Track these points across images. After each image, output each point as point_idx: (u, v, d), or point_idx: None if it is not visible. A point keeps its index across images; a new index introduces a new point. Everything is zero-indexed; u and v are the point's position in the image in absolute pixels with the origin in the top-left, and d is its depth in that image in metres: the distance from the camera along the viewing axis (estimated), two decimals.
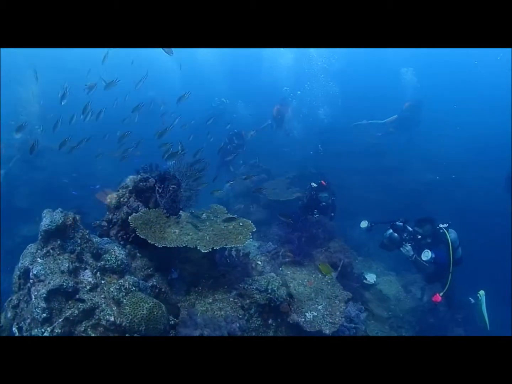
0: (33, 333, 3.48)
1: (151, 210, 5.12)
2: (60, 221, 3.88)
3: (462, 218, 7.44)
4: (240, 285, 5.32)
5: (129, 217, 4.86)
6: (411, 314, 7.45)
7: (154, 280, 4.58)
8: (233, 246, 4.90)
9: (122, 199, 5.20)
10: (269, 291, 5.38)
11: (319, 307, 5.87)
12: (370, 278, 7.41)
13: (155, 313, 3.93)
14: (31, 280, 3.66)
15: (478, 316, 6.72)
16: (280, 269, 6.14)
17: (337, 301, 6.06)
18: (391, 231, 6.42)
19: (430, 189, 11.40)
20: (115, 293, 3.93)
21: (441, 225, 6.28)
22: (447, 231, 6.16)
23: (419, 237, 6.29)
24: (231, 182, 5.80)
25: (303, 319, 5.59)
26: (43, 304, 3.48)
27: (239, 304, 5.04)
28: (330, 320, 5.71)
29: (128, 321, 3.81)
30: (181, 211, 5.32)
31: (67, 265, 3.76)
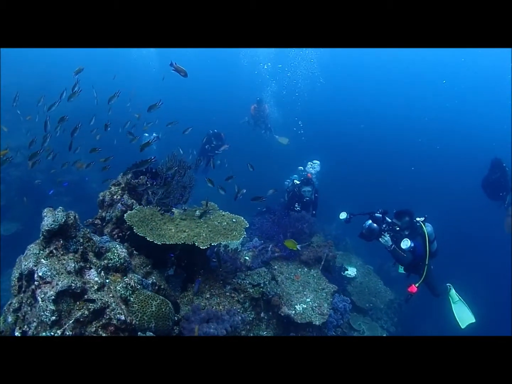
0: None
1: (145, 207, 4.96)
2: (63, 220, 3.66)
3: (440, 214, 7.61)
4: (234, 280, 5.27)
5: (125, 215, 4.69)
6: (390, 306, 7.63)
7: (153, 277, 4.42)
8: (229, 242, 4.85)
9: (115, 196, 5.01)
10: (262, 285, 5.38)
11: (308, 300, 5.91)
12: (351, 271, 7.50)
13: (163, 309, 3.83)
14: (36, 282, 3.39)
15: (457, 312, 6.80)
16: (269, 263, 6.11)
17: (324, 294, 6.11)
18: (370, 221, 6.43)
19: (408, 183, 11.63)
20: (122, 292, 3.76)
21: (418, 219, 6.39)
22: (424, 224, 6.30)
23: (397, 228, 6.34)
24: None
25: (293, 311, 5.62)
26: (51, 307, 3.25)
27: (236, 298, 5.00)
28: (319, 312, 5.76)
29: (137, 319, 3.67)
30: (173, 208, 5.18)
31: (73, 265, 3.56)
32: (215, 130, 10.26)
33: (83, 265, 3.69)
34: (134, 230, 4.47)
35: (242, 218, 5.20)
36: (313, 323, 5.58)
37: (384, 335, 6.99)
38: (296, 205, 7.63)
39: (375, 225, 6.39)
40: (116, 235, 4.72)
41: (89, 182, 10.52)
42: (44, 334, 3.25)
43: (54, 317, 3.25)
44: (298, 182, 7.92)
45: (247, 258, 6.07)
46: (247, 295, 5.19)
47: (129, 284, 3.84)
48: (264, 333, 5.30)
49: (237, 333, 4.66)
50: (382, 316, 7.45)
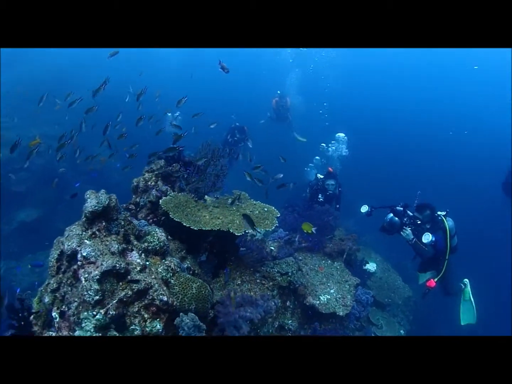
0: (81, 317, 3.19)
1: (179, 194, 4.91)
2: (106, 202, 3.60)
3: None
4: (263, 268, 5.23)
5: (160, 201, 4.64)
6: (406, 303, 7.55)
7: (187, 262, 4.37)
8: (262, 230, 4.79)
9: (149, 183, 4.96)
10: (289, 274, 5.34)
11: (331, 291, 5.86)
12: (371, 266, 7.42)
13: (203, 292, 3.78)
14: (79, 262, 3.32)
15: (463, 308, 6.73)
16: (295, 254, 6.06)
17: (347, 286, 6.06)
18: (391, 215, 6.32)
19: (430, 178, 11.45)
20: (164, 274, 3.71)
21: (439, 212, 6.29)
22: (445, 218, 6.21)
23: (419, 222, 6.22)
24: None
25: (318, 302, 5.57)
26: (96, 286, 3.20)
27: (266, 285, 4.95)
28: (343, 303, 5.71)
29: (178, 301, 3.62)
30: (206, 195, 5.13)
31: (116, 246, 3.50)
32: (237, 124, 10.11)
33: (125, 246, 3.64)
34: (170, 216, 4.42)
35: (273, 208, 5.15)
36: (337, 313, 5.53)
37: (401, 331, 6.92)
38: (320, 196, 7.55)
39: (396, 218, 6.28)
40: (150, 220, 4.67)
41: (111, 171, 10.46)
42: (85, 313, 3.20)
43: (97, 297, 3.20)
44: (321, 176, 7.84)
45: (272, 248, 6.01)
46: (275, 283, 5.13)
47: (170, 266, 3.79)
48: (290, 321, 5.24)
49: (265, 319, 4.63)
50: (398, 313, 7.37)
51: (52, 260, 3.63)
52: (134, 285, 3.38)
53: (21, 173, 9.98)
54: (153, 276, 3.58)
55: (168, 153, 5.12)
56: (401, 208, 6.33)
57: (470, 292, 6.67)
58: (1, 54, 13.51)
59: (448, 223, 6.13)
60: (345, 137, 10.23)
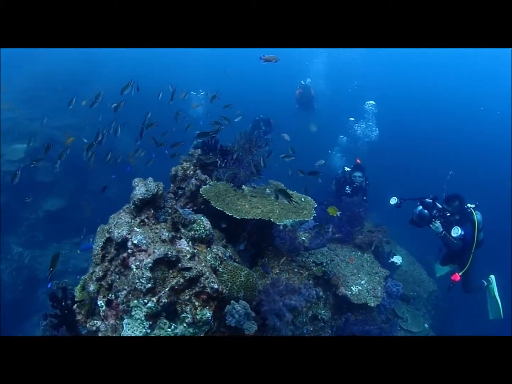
0: (131, 305, 3.09)
1: (219, 183, 4.79)
2: (156, 190, 3.48)
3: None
4: (298, 257, 5.12)
5: (201, 189, 4.52)
6: (428, 298, 7.40)
7: (229, 251, 4.26)
8: (302, 219, 4.66)
9: (187, 172, 4.84)
10: (324, 264, 5.23)
11: (362, 282, 5.74)
12: (397, 259, 7.28)
13: (251, 280, 3.68)
14: (129, 250, 3.18)
15: (490, 304, 6.61)
16: (328, 245, 5.93)
17: (377, 277, 5.92)
18: (421, 207, 6.14)
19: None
20: (212, 262, 3.59)
21: (469, 205, 6.12)
22: (474, 211, 6.04)
23: (448, 214, 6.05)
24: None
25: (349, 292, 5.46)
26: (148, 274, 3.07)
27: (304, 274, 4.85)
28: (373, 294, 5.59)
29: (227, 288, 3.52)
30: (243, 185, 5.01)
31: (166, 234, 3.38)
32: (262, 116, 9.85)
33: (174, 234, 3.52)
34: (212, 204, 4.30)
35: (310, 198, 5.02)
36: (368, 304, 5.42)
37: (426, 325, 6.79)
38: (347, 188, 7.40)
39: (426, 211, 6.08)
40: (190, 209, 4.54)
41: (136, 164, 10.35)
42: (135, 302, 3.09)
43: (149, 285, 3.08)
44: (348, 169, 7.69)
45: (303, 238, 5.89)
46: (310, 273, 5.03)
47: (217, 254, 3.68)
48: (323, 311, 5.12)
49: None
50: (420, 307, 7.23)
51: (97, 248, 3.50)
52: (186, 272, 3.25)
53: (46, 163, 9.89)
54: (203, 264, 3.46)
55: (200, 137, 4.97)
56: (431, 200, 6.14)
57: (496, 288, 6.53)
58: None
59: (477, 216, 5.97)
60: (374, 107, 9.99)
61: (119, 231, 3.30)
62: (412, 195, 6.48)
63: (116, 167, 8.11)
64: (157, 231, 3.41)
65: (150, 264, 3.11)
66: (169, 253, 3.22)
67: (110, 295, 3.29)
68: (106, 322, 3.28)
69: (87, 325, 3.42)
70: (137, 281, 3.08)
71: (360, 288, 5.60)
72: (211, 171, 5.05)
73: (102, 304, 3.29)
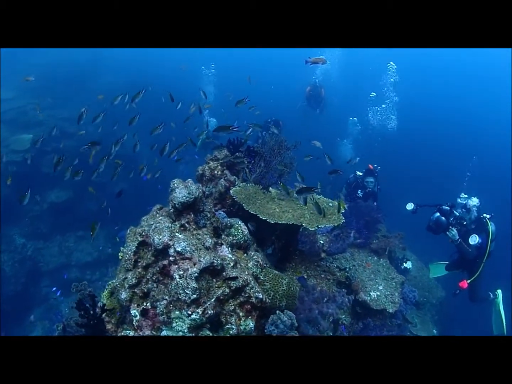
0: (172, 316, 2.78)
1: (248, 185, 4.46)
2: (197, 193, 3.15)
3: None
4: (322, 262, 4.86)
5: (231, 191, 4.19)
6: (433, 304, 7.22)
7: (259, 255, 3.97)
8: (331, 225, 4.39)
9: (215, 172, 4.50)
10: (347, 269, 4.98)
11: (380, 287, 5.50)
12: (408, 264, 7.07)
13: (292, 288, 3.43)
14: (171, 258, 2.87)
15: (495, 319, 6.41)
16: (349, 249, 5.66)
17: (394, 283, 5.70)
18: (438, 214, 5.97)
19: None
20: (254, 269, 3.30)
21: (485, 215, 5.96)
22: (489, 221, 5.87)
23: (464, 222, 5.88)
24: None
25: (368, 298, 5.22)
26: (193, 284, 2.74)
27: (331, 280, 4.59)
28: (391, 300, 5.37)
29: (270, 298, 3.23)
30: (270, 187, 4.69)
31: (210, 240, 3.05)
32: (273, 118, 9.38)
33: (216, 241, 3.20)
34: (245, 207, 4.00)
35: (337, 203, 4.73)
36: (387, 310, 5.19)
37: (434, 331, 6.60)
38: (359, 192, 7.13)
39: (443, 218, 5.91)
40: (218, 211, 4.22)
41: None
42: (177, 313, 2.79)
43: (195, 295, 2.78)
44: (360, 174, 7.41)
45: (321, 242, 5.61)
46: (334, 278, 4.78)
47: (258, 261, 3.39)
48: (343, 316, 4.88)
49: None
50: (426, 312, 7.04)
51: (129, 253, 3.16)
52: (232, 282, 2.95)
53: (52, 154, 9.40)
54: (246, 273, 3.15)
55: (218, 131, 4.62)
56: (448, 208, 5.95)
57: (501, 304, 6.36)
58: None
59: (492, 227, 5.80)
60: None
61: (160, 237, 2.96)
62: (424, 200, 6.30)
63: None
64: (200, 237, 3.09)
65: (196, 274, 2.80)
66: (215, 261, 2.91)
67: (145, 304, 2.96)
68: (140, 333, 2.95)
69: (118, 335, 3.09)
70: (181, 291, 2.76)
71: (378, 293, 5.37)
72: (237, 172, 4.71)
73: (136, 313, 2.97)
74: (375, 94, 10.54)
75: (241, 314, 2.98)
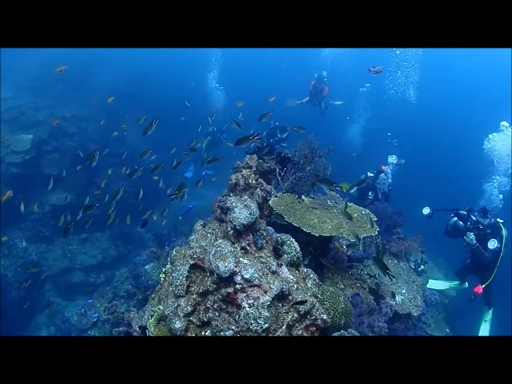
0: None
1: (285, 194, 4.15)
2: (258, 212, 2.83)
3: None
4: (353, 270, 4.62)
5: (270, 202, 3.87)
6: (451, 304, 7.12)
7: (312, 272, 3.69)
8: (368, 235, 4.13)
9: (250, 180, 4.16)
10: (376, 276, 4.76)
11: (403, 291, 5.33)
12: (425, 267, 6.92)
13: (348, 305, 3.26)
14: (237, 286, 2.57)
15: (483, 325, 6.33)
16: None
17: (415, 286, 5.54)
18: (455, 219, 5.81)
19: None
20: (314, 289, 3.03)
21: (498, 219, 5.83)
22: (503, 226, 5.75)
23: (481, 227, 5.70)
24: None
25: (394, 302, 5.02)
26: (266, 313, 2.45)
27: (367, 289, 4.35)
28: (415, 304, 5.21)
29: (330, 316, 2.98)
30: (302, 196, 4.39)
31: (274, 263, 2.75)
32: (278, 124, 8.93)
33: (277, 262, 2.89)
34: (286, 219, 3.70)
35: (369, 211, 4.48)
36: (412, 314, 5.02)
37: (447, 330, 6.48)
38: (370, 194, 6.88)
39: (461, 222, 5.74)
40: None
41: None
42: None
43: (267, 325, 2.48)
44: (371, 175, 7.16)
45: (344, 247, 5.38)
46: (365, 286, 4.55)
47: (315, 280, 3.11)
48: None
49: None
50: (439, 312, 6.91)
51: (181, 278, 2.84)
52: (301, 307, 2.66)
53: (53, 154, 8.81)
54: (309, 293, 2.86)
55: (239, 144, 4.29)
56: (465, 212, 5.79)
57: (491, 316, 6.27)
58: None
59: (505, 232, 5.68)
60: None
61: (225, 263, 2.62)
62: (446, 206, 6.12)
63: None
64: (264, 260, 2.79)
65: (268, 303, 2.49)
66: (284, 287, 2.63)
67: (204, 334, 2.64)
68: None
69: None
70: (252, 321, 2.46)
71: (402, 297, 5.20)
72: (269, 180, 4.39)
73: None
74: (369, 84, 10.25)
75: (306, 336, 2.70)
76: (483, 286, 5.66)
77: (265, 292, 2.52)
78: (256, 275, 2.57)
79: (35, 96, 9.84)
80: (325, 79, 10.37)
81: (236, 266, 2.60)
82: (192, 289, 2.80)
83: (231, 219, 2.78)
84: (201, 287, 2.73)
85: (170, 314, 2.78)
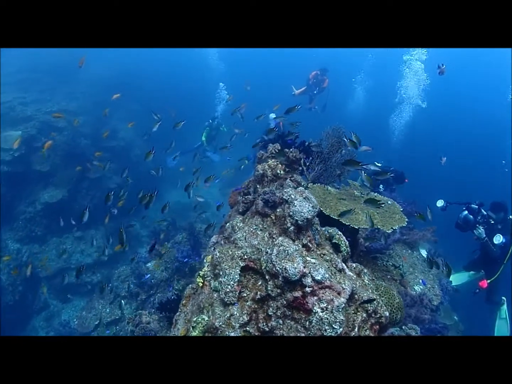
0: None
1: (315, 185, 3.78)
2: (318, 206, 2.45)
3: None
4: (379, 261, 4.34)
5: None
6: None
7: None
8: (399, 226, 3.83)
9: (277, 171, 3.76)
10: (400, 267, 4.52)
11: (421, 281, 5.09)
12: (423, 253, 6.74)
13: (401, 299, 3.01)
14: (307, 289, 2.20)
15: (499, 324, 6.23)
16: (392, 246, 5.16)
17: (431, 275, 5.33)
18: (466, 212, 5.69)
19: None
20: (371, 285, 2.71)
21: (511, 216, 5.68)
22: None
23: (492, 222, 5.61)
24: None
25: (414, 292, 4.80)
26: (341, 317, 2.09)
27: (397, 281, 4.16)
28: (434, 293, 4.99)
29: (388, 312, 2.66)
30: (328, 186, 4.03)
31: (339, 260, 2.39)
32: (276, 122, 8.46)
33: (341, 259, 2.53)
34: (324, 212, 3.32)
35: (393, 200, 4.18)
36: (432, 302, 4.80)
37: (455, 317, 6.31)
38: (381, 186, 6.60)
39: (471, 216, 5.63)
40: None
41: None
42: None
43: (341, 329, 2.10)
44: (379, 164, 6.86)
45: (362, 239, 5.10)
46: (390, 277, 4.29)
47: (369, 275, 2.77)
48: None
49: None
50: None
51: (231, 283, 2.43)
52: (369, 306, 2.31)
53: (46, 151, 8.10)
54: (369, 290, 2.51)
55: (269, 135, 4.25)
56: (476, 206, 5.67)
57: (506, 310, 6.17)
58: None
59: None
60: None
61: (294, 265, 2.22)
62: (459, 199, 5.99)
63: None
64: (327, 257, 2.41)
65: (343, 305, 2.12)
66: (354, 286, 2.24)
67: None
68: None
69: None
70: (327, 327, 2.10)
71: (421, 287, 4.96)
72: (294, 170, 4.01)
73: None
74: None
75: (371, 335, 2.37)
76: (489, 281, 5.55)
77: (339, 294, 2.16)
78: (327, 275, 2.19)
79: (22, 91, 9.04)
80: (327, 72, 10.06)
81: (305, 267, 2.20)
82: (245, 295, 2.40)
83: (291, 213, 2.39)
84: (259, 292, 2.33)
85: (223, 325, 2.36)
